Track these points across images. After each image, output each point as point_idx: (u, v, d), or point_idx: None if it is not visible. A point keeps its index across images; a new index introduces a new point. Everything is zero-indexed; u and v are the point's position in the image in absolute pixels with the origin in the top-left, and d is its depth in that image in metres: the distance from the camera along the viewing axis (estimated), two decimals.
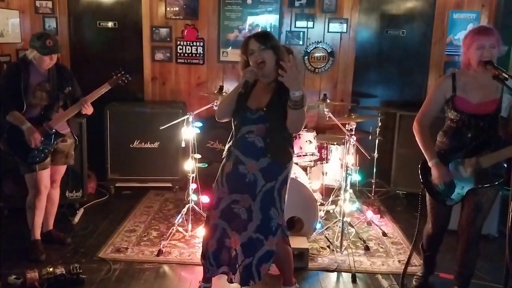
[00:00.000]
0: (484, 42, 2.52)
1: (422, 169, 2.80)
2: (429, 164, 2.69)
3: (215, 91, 4.10)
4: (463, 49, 2.63)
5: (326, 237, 3.84)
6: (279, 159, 2.60)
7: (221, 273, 2.77)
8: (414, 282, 3.18)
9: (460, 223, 2.80)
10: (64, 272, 3.01)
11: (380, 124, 4.48)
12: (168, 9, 5.11)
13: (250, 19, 5.12)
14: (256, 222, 2.60)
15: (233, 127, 2.69)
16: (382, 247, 3.81)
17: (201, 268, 2.85)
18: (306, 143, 3.91)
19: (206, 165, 4.22)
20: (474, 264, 2.86)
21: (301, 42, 5.17)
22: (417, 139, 2.76)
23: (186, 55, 5.21)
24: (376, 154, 4.42)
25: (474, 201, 2.68)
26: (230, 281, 2.72)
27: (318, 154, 4.04)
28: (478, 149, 2.59)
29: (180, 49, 5.19)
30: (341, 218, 3.70)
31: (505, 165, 2.61)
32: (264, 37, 2.58)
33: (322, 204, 4.25)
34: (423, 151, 2.74)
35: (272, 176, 2.59)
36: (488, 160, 2.54)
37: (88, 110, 3.39)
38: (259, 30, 5.12)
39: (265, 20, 5.12)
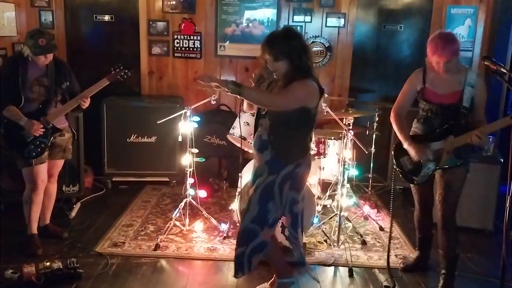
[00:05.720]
0: (439, 59, 2.80)
1: (395, 151, 3.13)
2: (404, 146, 2.99)
3: None
4: (428, 54, 2.88)
5: (323, 231, 3.84)
6: (281, 155, 2.62)
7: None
8: (401, 264, 3.39)
9: (435, 204, 3.08)
10: (61, 267, 3.01)
11: (377, 119, 4.49)
12: (165, 2, 5.07)
13: (248, 13, 5.10)
14: (252, 213, 2.63)
15: None
16: (379, 242, 3.82)
17: (198, 263, 2.84)
18: None
19: (204, 160, 4.22)
20: (455, 245, 3.05)
21: None
22: (393, 126, 3.07)
23: (183, 49, 5.18)
24: (373, 149, 4.43)
25: (444, 180, 2.97)
26: None
27: (316, 149, 4.04)
28: (444, 134, 2.90)
29: (177, 43, 5.16)
30: (338, 213, 3.71)
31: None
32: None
33: (319, 198, 4.25)
34: (398, 135, 3.04)
35: (274, 170, 2.61)
36: (451, 144, 2.86)
37: (87, 103, 3.39)
38: (257, 24, 5.10)
39: (263, 14, 5.09)
